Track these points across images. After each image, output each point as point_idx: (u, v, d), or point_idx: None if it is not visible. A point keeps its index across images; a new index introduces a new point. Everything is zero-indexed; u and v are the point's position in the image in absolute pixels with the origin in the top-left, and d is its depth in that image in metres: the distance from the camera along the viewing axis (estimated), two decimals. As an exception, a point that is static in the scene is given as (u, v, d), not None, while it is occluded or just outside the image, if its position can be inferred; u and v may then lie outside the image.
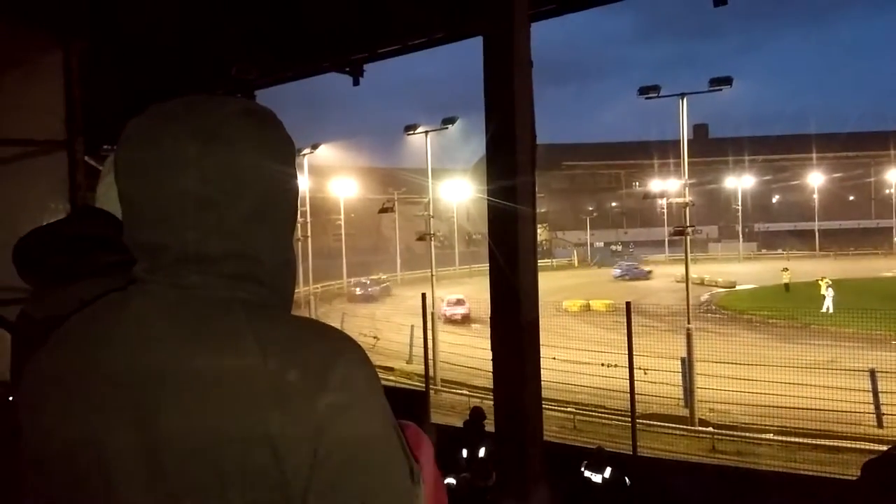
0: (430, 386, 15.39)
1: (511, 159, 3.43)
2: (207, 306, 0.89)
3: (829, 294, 32.20)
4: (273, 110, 0.99)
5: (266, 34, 5.88)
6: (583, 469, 8.91)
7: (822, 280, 35.03)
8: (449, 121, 30.05)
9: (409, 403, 12.12)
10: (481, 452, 9.16)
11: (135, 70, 6.18)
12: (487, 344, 4.01)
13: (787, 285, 40.38)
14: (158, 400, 0.85)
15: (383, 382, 0.94)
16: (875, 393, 14.87)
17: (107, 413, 0.87)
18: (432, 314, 19.48)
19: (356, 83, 6.62)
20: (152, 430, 0.85)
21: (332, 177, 47.90)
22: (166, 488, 0.84)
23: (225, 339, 0.86)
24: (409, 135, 30.68)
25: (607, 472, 8.82)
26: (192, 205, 0.88)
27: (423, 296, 14.28)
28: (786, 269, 42.13)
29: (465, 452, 9.38)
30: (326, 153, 46.56)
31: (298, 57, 6.64)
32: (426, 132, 29.62)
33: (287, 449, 0.83)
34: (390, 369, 20.96)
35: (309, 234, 35.13)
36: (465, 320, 30.20)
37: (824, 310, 30.05)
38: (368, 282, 46.76)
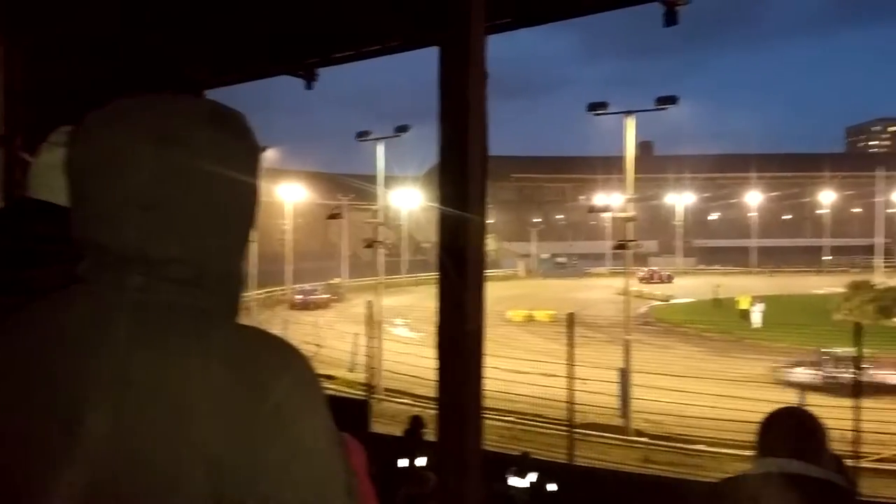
0: (373, 395, 15.33)
1: (463, 169, 3.46)
2: (151, 311, 0.87)
3: (757, 309, 33.32)
4: (243, 114, 0.97)
5: (218, 34, 5.80)
6: (507, 476, 8.99)
7: (743, 297, 36.39)
8: (401, 129, 30.01)
9: (349, 413, 12.08)
10: (420, 462, 9.15)
11: (80, 66, 6.03)
12: (431, 352, 4.01)
13: (718, 301, 41.31)
14: (97, 406, 0.83)
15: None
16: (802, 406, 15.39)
17: (43, 414, 0.85)
18: (378, 322, 19.39)
19: (309, 87, 6.57)
20: (87, 437, 0.82)
21: (280, 180, 47.24)
22: (97, 496, 0.82)
23: (167, 345, 0.85)
24: (360, 141, 30.47)
25: (531, 477, 8.91)
26: (138, 205, 0.87)
27: (370, 303, 14.26)
28: (718, 286, 43.07)
29: (404, 462, 9.35)
30: (276, 156, 46.03)
31: (250, 58, 6.57)
32: (378, 139, 29.49)
33: (224, 462, 0.81)
34: (331, 378, 20.75)
35: (254, 238, 34.46)
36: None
37: (755, 325, 31.00)
38: (310, 288, 46.11)
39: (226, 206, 0.92)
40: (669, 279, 58.19)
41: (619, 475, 11.94)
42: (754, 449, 2.14)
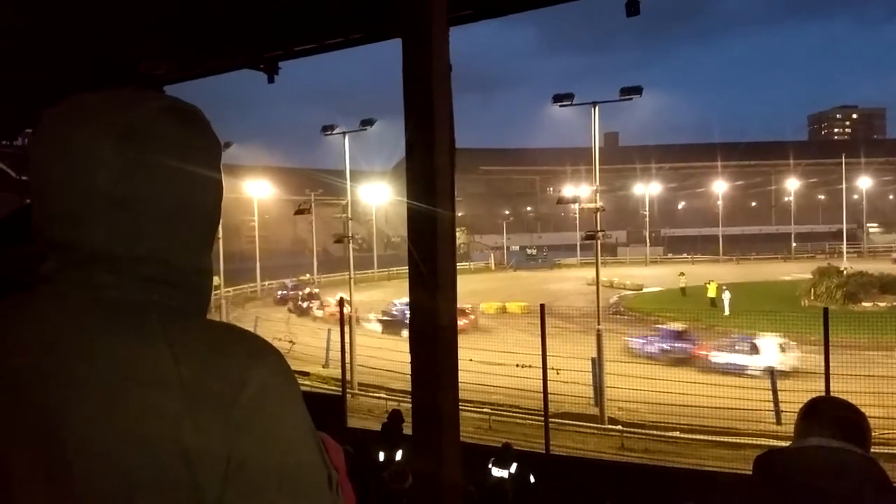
0: (348, 390, 15.26)
1: (430, 162, 3.43)
2: (118, 308, 0.86)
3: (725, 297, 33.70)
4: (199, 108, 0.95)
5: (176, 28, 5.69)
6: (490, 466, 9.06)
7: (708, 283, 36.73)
8: (367, 122, 29.80)
9: (325, 408, 12.03)
10: (398, 456, 9.13)
11: (35, 64, 5.88)
12: (405, 346, 3.98)
13: (683, 289, 41.10)
14: (65, 406, 0.81)
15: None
16: (774, 391, 15.63)
17: (8, 417, 0.83)
18: (350, 317, 19.30)
19: (271, 81, 6.49)
20: (57, 438, 0.81)
21: (245, 177, 46.70)
22: (70, 496, 0.80)
23: (136, 343, 0.83)
24: (326, 135, 30.17)
25: (513, 467, 8.99)
26: (104, 203, 0.85)
27: (342, 299, 14.19)
28: (682, 274, 42.49)
29: (381, 456, 9.33)
30: (240, 152, 45.51)
31: (210, 52, 6.46)
32: (344, 133, 29.23)
33: (200, 458, 0.80)
34: (305, 374, 20.65)
35: (220, 235, 34.11)
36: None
37: (726, 313, 31.33)
38: (291, 284, 45.56)
39: (190, 202, 0.91)
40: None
41: (602, 463, 12.04)
42: (795, 432, 2.08)
